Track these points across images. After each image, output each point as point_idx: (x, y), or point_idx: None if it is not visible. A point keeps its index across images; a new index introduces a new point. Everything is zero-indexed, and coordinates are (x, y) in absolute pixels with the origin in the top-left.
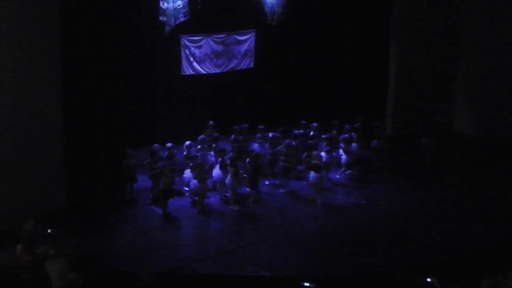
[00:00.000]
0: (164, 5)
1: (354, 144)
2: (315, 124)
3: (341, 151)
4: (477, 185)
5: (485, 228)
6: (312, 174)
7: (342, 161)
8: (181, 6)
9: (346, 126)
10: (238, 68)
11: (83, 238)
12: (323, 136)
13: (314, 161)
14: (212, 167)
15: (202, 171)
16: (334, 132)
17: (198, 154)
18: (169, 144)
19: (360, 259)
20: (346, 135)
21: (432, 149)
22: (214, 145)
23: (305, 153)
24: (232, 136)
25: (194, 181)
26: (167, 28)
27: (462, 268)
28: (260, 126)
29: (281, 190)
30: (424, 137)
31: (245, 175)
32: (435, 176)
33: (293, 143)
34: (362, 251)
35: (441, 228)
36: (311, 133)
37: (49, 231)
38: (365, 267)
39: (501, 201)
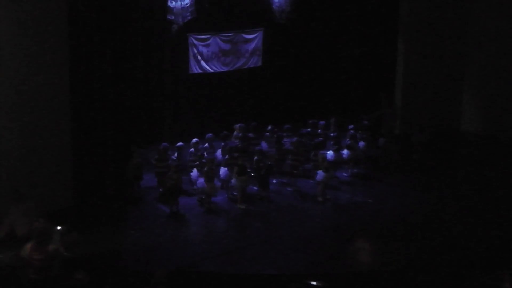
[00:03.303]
0: (172, 4)
1: (361, 142)
2: (322, 123)
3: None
4: (479, 185)
5: (485, 228)
6: (320, 172)
7: (344, 156)
8: (188, 4)
9: (351, 126)
10: (246, 67)
11: (90, 237)
12: (331, 134)
13: (322, 161)
14: (219, 165)
15: (210, 170)
16: (333, 129)
17: (205, 153)
18: (180, 144)
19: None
20: (353, 131)
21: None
22: (223, 143)
23: (313, 152)
24: (240, 134)
25: (201, 180)
26: (175, 27)
27: (462, 268)
28: (269, 127)
29: (289, 189)
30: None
31: (252, 173)
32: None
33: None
34: None
35: (442, 228)
36: (319, 131)
37: (58, 228)
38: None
39: (502, 201)
